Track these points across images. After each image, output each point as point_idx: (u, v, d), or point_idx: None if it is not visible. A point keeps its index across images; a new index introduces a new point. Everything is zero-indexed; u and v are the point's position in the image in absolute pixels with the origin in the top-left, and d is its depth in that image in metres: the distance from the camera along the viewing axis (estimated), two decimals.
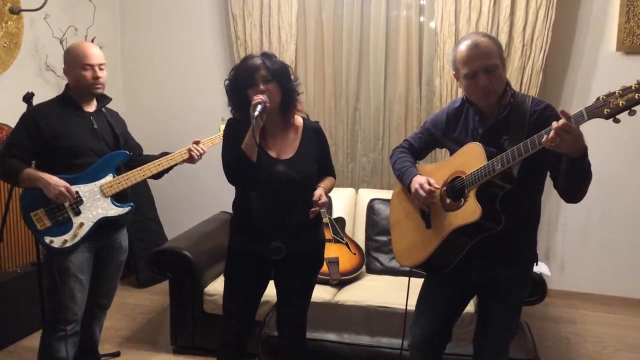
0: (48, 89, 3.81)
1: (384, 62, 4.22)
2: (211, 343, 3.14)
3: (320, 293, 3.24)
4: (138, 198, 4.51)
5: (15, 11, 3.68)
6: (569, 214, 4.20)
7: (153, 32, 4.70)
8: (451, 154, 2.24)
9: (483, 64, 2.01)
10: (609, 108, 1.70)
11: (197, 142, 2.83)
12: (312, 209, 2.32)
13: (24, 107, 2.80)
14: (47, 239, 2.55)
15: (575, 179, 1.92)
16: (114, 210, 2.68)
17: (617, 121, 1.72)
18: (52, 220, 2.55)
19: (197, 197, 4.71)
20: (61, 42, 3.98)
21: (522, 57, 3.86)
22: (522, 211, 2.09)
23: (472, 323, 2.45)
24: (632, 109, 1.68)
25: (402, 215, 2.39)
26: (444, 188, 2.18)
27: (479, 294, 2.31)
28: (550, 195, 2.13)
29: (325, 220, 3.67)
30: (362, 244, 3.79)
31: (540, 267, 2.75)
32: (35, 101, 2.80)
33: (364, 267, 3.65)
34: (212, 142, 2.87)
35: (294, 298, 2.54)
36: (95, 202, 2.63)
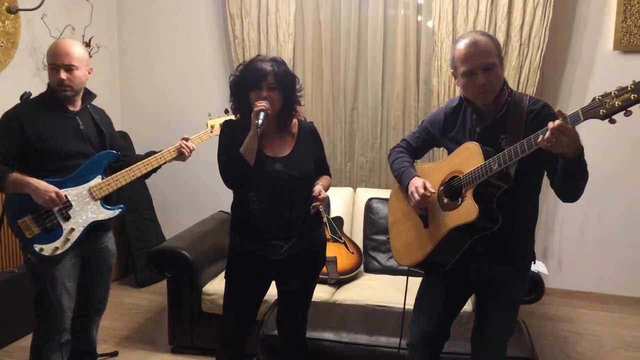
0: (45, 89, 3.79)
1: (381, 61, 4.22)
2: (209, 343, 3.15)
3: (319, 292, 3.23)
4: (136, 198, 4.55)
5: (13, 10, 3.68)
6: (566, 213, 4.20)
7: (150, 32, 4.70)
8: (449, 153, 2.25)
9: (481, 62, 2.01)
10: (604, 108, 1.70)
11: (186, 139, 2.74)
12: (313, 204, 2.32)
13: None
14: (37, 247, 2.43)
15: (571, 179, 1.92)
16: (104, 214, 2.59)
17: (612, 122, 1.72)
18: (40, 228, 2.43)
19: (195, 196, 4.71)
20: None
21: (520, 56, 3.87)
22: (519, 210, 2.09)
23: (469, 321, 2.45)
24: (628, 109, 1.68)
25: (400, 214, 2.39)
26: (442, 187, 2.18)
27: (477, 293, 2.31)
28: (547, 195, 2.14)
29: (324, 219, 3.67)
30: (360, 243, 3.79)
31: (537, 266, 2.75)
32: None
33: (362, 267, 3.65)
34: (201, 139, 2.80)
35: (295, 298, 2.54)
36: (85, 206, 2.53)
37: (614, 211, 4.14)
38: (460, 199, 2.08)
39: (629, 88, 1.67)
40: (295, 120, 2.43)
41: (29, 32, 3.83)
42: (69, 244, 2.48)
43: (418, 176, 2.25)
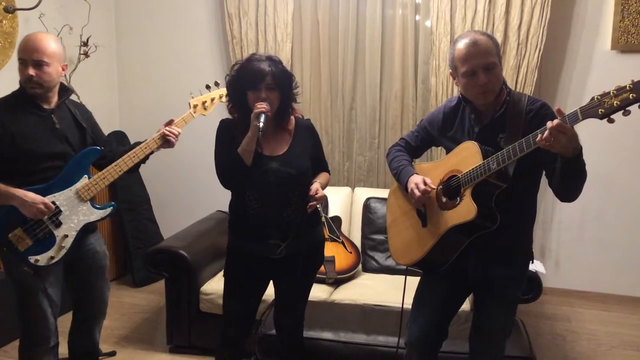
0: None
1: (379, 61, 4.22)
2: (207, 342, 3.15)
3: (317, 292, 3.24)
4: (134, 197, 4.54)
5: (10, 10, 3.67)
6: (564, 212, 4.21)
7: (148, 31, 4.69)
8: (447, 152, 2.25)
9: (482, 62, 2.01)
10: (603, 108, 1.70)
11: (169, 123, 2.57)
12: (310, 204, 2.31)
13: None
14: (32, 259, 2.33)
15: (569, 178, 1.93)
16: (96, 214, 2.47)
17: (611, 121, 1.72)
18: (32, 238, 2.33)
19: (193, 196, 4.71)
20: None
21: (518, 56, 3.87)
22: (518, 210, 2.10)
23: (467, 321, 2.46)
24: (627, 108, 1.68)
25: (398, 213, 2.40)
26: (440, 187, 2.18)
27: (475, 292, 2.32)
28: (545, 194, 2.14)
29: (322, 219, 3.67)
30: (358, 243, 3.79)
31: (535, 265, 2.75)
32: None
33: (360, 266, 3.66)
34: (185, 121, 2.62)
35: (293, 297, 2.54)
36: (75, 209, 2.40)
37: (612, 210, 4.15)
38: (458, 198, 2.09)
39: (627, 87, 1.67)
40: (292, 118, 2.43)
41: (26, 32, 3.79)
42: (64, 251, 2.39)
43: (417, 174, 2.25)
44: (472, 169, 2.03)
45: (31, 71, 2.31)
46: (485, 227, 2.02)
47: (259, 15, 4.24)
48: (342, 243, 3.64)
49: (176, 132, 2.55)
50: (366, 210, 3.88)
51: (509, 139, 1.99)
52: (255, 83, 2.24)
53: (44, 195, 2.32)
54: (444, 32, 3.94)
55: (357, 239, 3.83)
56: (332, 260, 3.50)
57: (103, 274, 2.69)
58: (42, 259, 2.35)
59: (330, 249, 3.54)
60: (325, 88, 4.35)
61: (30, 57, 2.31)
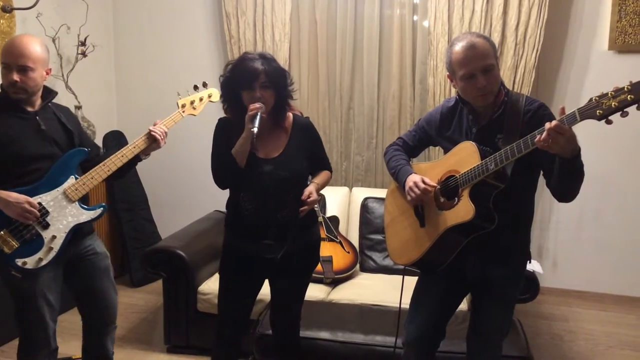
0: None
1: (377, 61, 4.23)
2: (205, 342, 3.14)
3: (314, 292, 3.25)
4: (131, 198, 4.54)
5: (8, 9, 3.67)
6: (562, 212, 4.21)
7: (146, 31, 4.69)
8: (445, 152, 2.25)
9: (480, 65, 2.00)
10: (601, 109, 1.70)
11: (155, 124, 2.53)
12: (302, 208, 2.30)
13: None
14: (19, 262, 2.25)
15: (567, 179, 1.93)
16: (85, 215, 2.39)
17: (609, 122, 1.72)
18: (19, 240, 2.25)
19: (191, 196, 4.71)
20: (54, 40, 3.96)
21: (515, 56, 3.87)
22: (516, 210, 2.10)
23: (465, 320, 2.46)
24: (625, 110, 1.68)
25: (396, 213, 2.40)
26: (438, 187, 2.18)
27: (473, 292, 2.32)
28: (543, 194, 2.15)
29: (320, 219, 3.68)
30: (355, 243, 3.79)
31: (532, 265, 2.76)
32: None
33: (357, 266, 3.66)
34: (174, 121, 2.59)
35: (288, 297, 2.54)
36: (63, 210, 2.33)
37: (609, 210, 4.15)
38: (456, 198, 2.09)
39: (625, 89, 1.67)
40: (290, 116, 2.42)
41: (24, 32, 3.80)
42: (53, 253, 2.30)
43: (415, 173, 2.25)
44: (470, 169, 2.03)
45: (15, 76, 2.25)
46: (483, 227, 2.02)
47: (257, 15, 4.24)
48: (340, 243, 3.64)
49: (162, 131, 2.50)
50: (364, 210, 3.88)
51: (507, 140, 1.99)
52: (250, 82, 2.22)
53: (30, 196, 2.26)
54: (442, 33, 3.94)
55: (354, 238, 3.83)
56: (329, 260, 3.50)
57: (107, 274, 2.59)
58: (30, 261, 2.27)
59: (328, 249, 3.55)
60: (323, 88, 4.35)
61: (16, 62, 2.25)
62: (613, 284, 4.20)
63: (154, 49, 4.69)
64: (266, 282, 2.54)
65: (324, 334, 2.81)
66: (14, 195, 2.22)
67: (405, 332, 2.35)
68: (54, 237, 2.31)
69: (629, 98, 1.66)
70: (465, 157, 2.08)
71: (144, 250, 3.47)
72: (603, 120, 1.72)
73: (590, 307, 4.07)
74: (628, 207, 4.12)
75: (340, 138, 4.40)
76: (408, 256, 2.28)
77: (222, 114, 2.46)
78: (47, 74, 2.39)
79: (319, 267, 3.41)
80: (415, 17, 4.14)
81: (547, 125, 1.77)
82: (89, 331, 2.65)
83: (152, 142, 2.49)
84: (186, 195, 4.74)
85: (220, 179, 2.35)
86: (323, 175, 2.49)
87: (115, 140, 4.50)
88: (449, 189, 2.13)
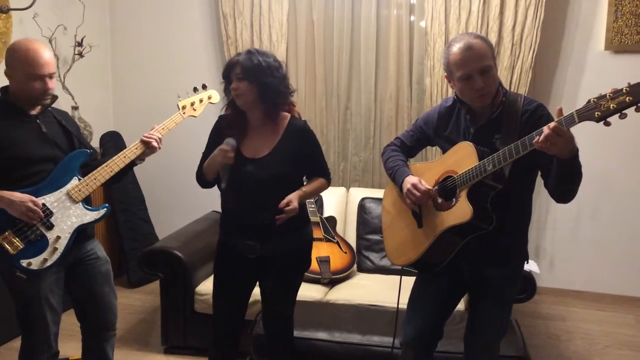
0: None
1: (374, 61, 4.23)
2: (202, 343, 3.14)
3: (311, 292, 3.25)
4: (128, 198, 4.53)
5: (4, 10, 3.66)
6: (559, 211, 4.22)
7: (143, 31, 4.68)
8: (443, 152, 2.25)
9: (478, 66, 2.00)
10: (599, 111, 1.69)
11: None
12: (278, 216, 2.27)
13: None
14: (24, 262, 2.24)
15: (565, 180, 1.93)
16: (89, 216, 2.39)
17: (607, 124, 1.72)
18: (24, 241, 2.25)
19: (188, 196, 4.67)
20: (50, 41, 3.96)
21: (512, 56, 3.88)
22: (513, 210, 2.10)
23: (462, 320, 2.46)
24: (623, 112, 1.67)
25: (394, 213, 2.40)
26: (436, 187, 2.18)
27: (470, 292, 2.32)
28: (540, 193, 2.14)
29: (317, 219, 3.68)
30: (353, 243, 3.79)
31: (529, 265, 2.76)
32: None
33: (355, 266, 3.66)
34: (175, 122, 2.60)
35: (275, 298, 2.52)
36: (67, 211, 2.33)
37: (606, 210, 4.16)
38: (454, 199, 2.09)
39: (624, 90, 1.66)
40: (286, 117, 2.42)
41: (21, 32, 3.80)
42: (57, 253, 2.30)
43: (412, 175, 2.25)
44: (468, 170, 2.02)
45: (50, 84, 2.32)
46: (481, 228, 2.02)
47: (254, 16, 4.24)
48: (337, 243, 3.64)
49: (155, 137, 2.51)
50: (361, 210, 3.88)
51: (504, 140, 1.99)
52: (227, 73, 2.34)
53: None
54: (439, 33, 3.95)
55: (352, 239, 3.84)
56: (327, 260, 3.50)
57: (108, 280, 2.59)
58: (35, 262, 2.26)
59: (325, 249, 3.55)
60: (320, 88, 4.35)
61: (48, 71, 2.31)
62: (610, 283, 4.21)
63: (151, 50, 4.69)
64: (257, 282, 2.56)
65: (321, 334, 2.81)
66: (17, 195, 2.23)
67: (403, 333, 2.35)
68: (58, 237, 2.31)
69: (627, 100, 1.65)
70: (463, 157, 2.08)
71: (142, 250, 3.46)
72: (601, 122, 1.72)
73: (588, 306, 4.08)
74: (625, 206, 4.13)
75: (338, 138, 4.40)
76: (406, 257, 2.29)
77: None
78: None
79: (316, 267, 3.42)
80: (412, 18, 4.15)
81: (546, 128, 1.77)
82: (89, 337, 2.64)
83: (147, 148, 2.50)
84: (183, 196, 4.73)
85: (198, 181, 2.49)
86: (315, 182, 2.47)
87: (113, 140, 4.49)
88: (447, 189, 2.13)
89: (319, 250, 3.52)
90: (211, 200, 3.75)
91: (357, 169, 4.41)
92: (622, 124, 1.74)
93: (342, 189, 4.13)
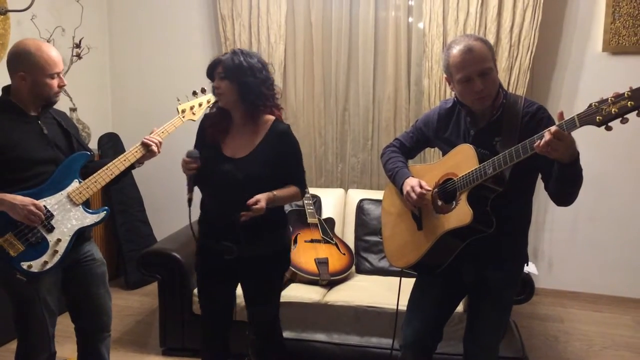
0: None
1: (372, 62, 4.23)
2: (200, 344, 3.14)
3: (310, 293, 3.25)
4: (126, 199, 4.53)
5: (2, 12, 3.66)
6: (557, 213, 4.22)
7: (141, 33, 4.68)
8: (442, 154, 2.24)
9: (478, 68, 1.99)
10: (601, 115, 1.69)
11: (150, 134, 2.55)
12: (243, 213, 2.25)
13: None
14: (25, 265, 2.24)
15: (566, 184, 1.93)
16: (89, 218, 2.40)
17: (609, 129, 1.71)
18: (24, 243, 2.24)
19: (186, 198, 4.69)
20: (48, 42, 3.94)
21: (510, 58, 3.88)
22: (513, 213, 2.10)
23: (461, 322, 2.46)
24: (625, 116, 1.67)
25: (393, 215, 2.40)
26: (436, 190, 2.18)
27: (470, 294, 2.32)
28: (538, 195, 2.14)
29: (315, 220, 3.68)
30: (351, 244, 3.79)
31: (527, 266, 2.76)
32: None
33: (353, 268, 3.66)
34: (174, 126, 2.60)
35: (257, 300, 2.52)
36: (67, 214, 2.34)
37: (604, 211, 4.17)
38: (454, 202, 2.08)
39: (625, 95, 1.66)
40: (270, 119, 2.40)
41: (19, 34, 3.80)
42: (58, 256, 2.30)
43: (412, 176, 2.25)
44: (468, 173, 2.02)
45: (64, 80, 2.38)
46: (480, 231, 2.02)
47: (252, 17, 4.25)
48: (336, 244, 3.64)
49: (154, 141, 2.51)
50: (360, 211, 3.88)
51: (504, 142, 1.99)
52: (210, 72, 2.38)
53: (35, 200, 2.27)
54: (437, 35, 3.95)
55: (350, 240, 3.84)
56: (325, 261, 3.50)
57: (103, 281, 2.59)
58: (35, 264, 2.26)
59: (323, 251, 3.55)
60: (318, 89, 4.35)
61: (60, 68, 2.36)
62: (608, 284, 4.22)
63: (149, 51, 4.69)
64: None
65: (320, 336, 2.81)
66: (19, 198, 2.22)
67: (403, 335, 2.35)
68: (58, 240, 2.31)
69: (629, 104, 1.64)
70: (463, 160, 2.07)
71: (140, 252, 3.46)
72: (602, 127, 1.71)
73: (585, 307, 4.08)
74: (623, 207, 4.14)
75: (336, 139, 4.40)
76: (405, 259, 2.29)
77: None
78: None
79: (315, 268, 3.42)
80: (410, 19, 4.15)
81: (547, 133, 1.76)
82: (83, 338, 2.64)
83: (147, 151, 2.50)
84: (182, 198, 4.66)
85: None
86: (288, 189, 2.40)
87: (111, 142, 4.49)
88: (447, 192, 2.13)
89: (318, 251, 3.53)
90: None
91: (355, 170, 4.41)
92: (620, 126, 1.74)
93: (341, 191, 4.13)
